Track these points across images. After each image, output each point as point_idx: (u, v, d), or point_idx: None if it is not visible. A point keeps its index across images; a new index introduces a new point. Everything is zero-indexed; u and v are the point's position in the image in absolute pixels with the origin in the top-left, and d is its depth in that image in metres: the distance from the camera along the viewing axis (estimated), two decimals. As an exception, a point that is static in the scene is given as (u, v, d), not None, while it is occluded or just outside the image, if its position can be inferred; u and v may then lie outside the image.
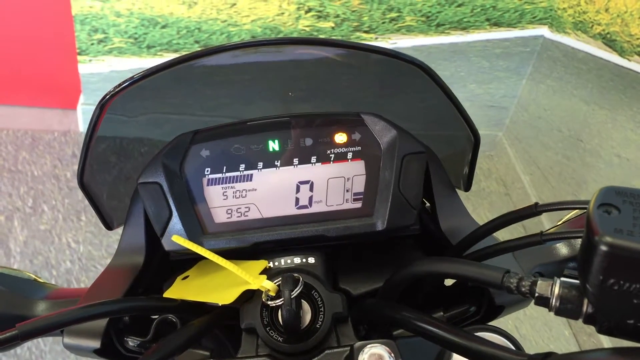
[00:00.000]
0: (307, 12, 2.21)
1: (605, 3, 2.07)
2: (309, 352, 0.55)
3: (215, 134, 0.62)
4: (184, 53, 2.37)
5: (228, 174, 0.61)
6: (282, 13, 2.20)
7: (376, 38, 2.31)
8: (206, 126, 0.63)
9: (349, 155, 0.61)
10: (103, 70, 2.31)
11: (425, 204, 0.67)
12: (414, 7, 2.24)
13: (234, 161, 0.61)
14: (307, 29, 2.25)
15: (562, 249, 0.64)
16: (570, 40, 2.24)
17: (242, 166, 0.61)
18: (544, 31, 2.33)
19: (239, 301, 0.56)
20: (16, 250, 2.07)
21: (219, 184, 0.61)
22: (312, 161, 0.61)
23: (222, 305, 0.56)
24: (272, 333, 0.55)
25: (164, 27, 2.21)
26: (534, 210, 0.53)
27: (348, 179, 0.61)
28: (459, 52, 2.38)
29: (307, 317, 0.56)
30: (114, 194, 0.70)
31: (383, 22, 2.27)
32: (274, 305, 0.54)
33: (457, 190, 0.67)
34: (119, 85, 0.58)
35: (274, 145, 0.61)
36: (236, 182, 0.61)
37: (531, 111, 2.48)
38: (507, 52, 2.39)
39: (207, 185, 0.61)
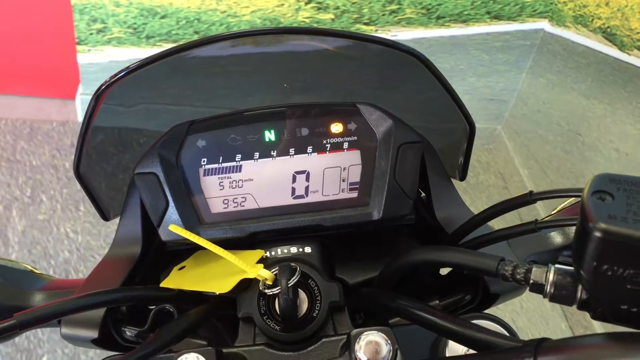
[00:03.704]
0: (307, 3, 2.21)
1: (605, -3, 2.07)
2: (305, 340, 0.55)
3: (212, 125, 0.62)
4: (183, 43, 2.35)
5: (224, 164, 0.61)
6: (282, 4, 2.20)
7: (376, 30, 2.30)
8: (203, 116, 0.63)
9: (345, 145, 0.61)
10: (102, 60, 2.31)
11: (421, 193, 0.67)
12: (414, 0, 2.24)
13: (230, 151, 0.61)
14: (307, 20, 2.25)
15: (557, 237, 0.64)
16: (570, 34, 2.23)
17: (239, 156, 0.61)
18: (544, 24, 2.32)
19: (236, 290, 0.56)
20: (14, 240, 2.07)
21: (215, 174, 0.61)
22: (308, 151, 0.61)
23: (219, 294, 0.56)
24: (269, 322, 0.55)
25: (163, 17, 2.20)
26: (528, 199, 0.53)
27: (344, 169, 0.61)
28: (459, 45, 2.38)
29: (304, 306, 0.56)
30: (111, 184, 0.70)
31: (383, 14, 2.26)
32: (271, 294, 0.54)
33: (452, 179, 0.68)
34: (115, 75, 0.58)
35: (270, 136, 0.61)
36: (232, 172, 0.61)
37: (530, 105, 2.48)
38: (507, 45, 2.39)
39: (204, 175, 0.61)
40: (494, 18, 2.32)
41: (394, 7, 2.25)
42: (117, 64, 2.32)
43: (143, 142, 0.71)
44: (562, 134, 2.30)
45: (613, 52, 2.06)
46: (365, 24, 2.28)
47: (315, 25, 2.27)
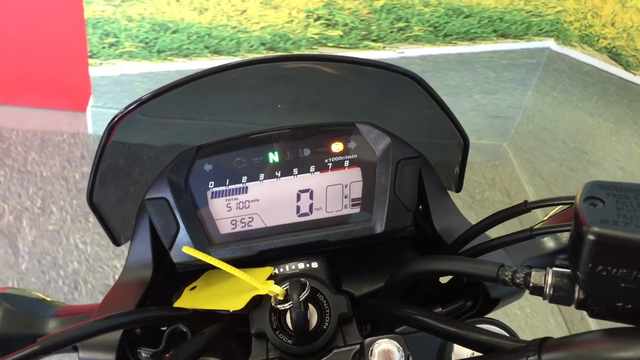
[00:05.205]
0: (316, 20, 2.24)
1: (611, 17, 2.09)
2: (317, 352, 0.56)
3: (218, 149, 0.64)
4: (193, 58, 2.37)
5: (231, 187, 0.63)
6: (292, 21, 2.23)
7: (384, 47, 2.33)
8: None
9: (346, 163, 0.63)
10: (113, 73, 2.35)
11: (419, 206, 0.69)
12: (422, 17, 2.27)
13: (236, 174, 0.63)
14: (316, 36, 2.28)
15: (550, 242, 0.66)
16: (576, 53, 2.26)
17: (244, 178, 0.63)
18: (550, 43, 2.35)
19: (248, 307, 0.57)
20: (24, 250, 2.09)
21: (222, 196, 0.63)
22: (311, 170, 0.63)
23: (231, 312, 0.57)
24: (281, 336, 0.56)
25: (174, 32, 2.24)
26: (523, 208, 0.55)
27: (346, 186, 0.63)
28: (465, 63, 2.40)
29: (314, 319, 0.57)
30: (121, 210, 0.72)
31: (391, 32, 2.29)
32: (282, 308, 0.56)
33: (449, 192, 0.70)
34: (128, 107, 0.60)
35: (274, 157, 0.63)
36: (239, 193, 0.63)
37: (536, 122, 2.50)
38: (513, 63, 2.41)
39: (212, 198, 0.63)
40: (501, 36, 2.34)
41: (401, 24, 2.28)
42: (128, 77, 2.35)
43: (150, 162, 0.73)
44: (568, 152, 2.32)
45: (618, 71, 2.08)
46: (374, 40, 2.31)
47: (323, 41, 2.30)
